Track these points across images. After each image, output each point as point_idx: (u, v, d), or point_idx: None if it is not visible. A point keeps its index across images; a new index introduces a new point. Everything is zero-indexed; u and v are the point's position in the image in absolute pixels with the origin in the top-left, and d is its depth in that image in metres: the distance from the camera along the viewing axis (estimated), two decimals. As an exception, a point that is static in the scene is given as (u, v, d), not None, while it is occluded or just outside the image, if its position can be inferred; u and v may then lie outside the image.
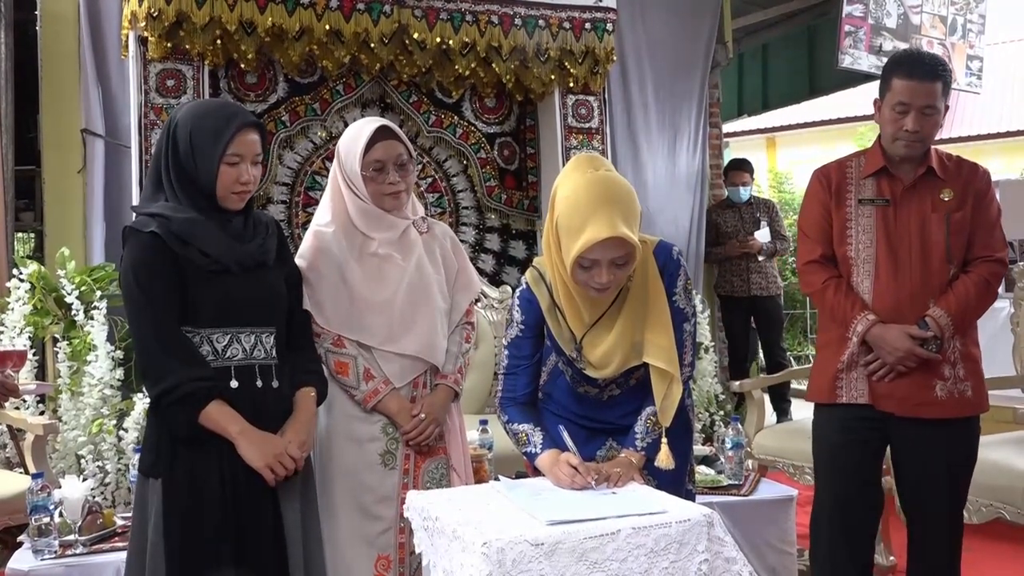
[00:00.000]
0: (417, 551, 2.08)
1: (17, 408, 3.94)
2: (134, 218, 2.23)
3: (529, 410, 2.34)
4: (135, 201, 4.03)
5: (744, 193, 6.35)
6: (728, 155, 7.38)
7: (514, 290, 2.41)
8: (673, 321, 2.24)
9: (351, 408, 2.56)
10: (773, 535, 3.35)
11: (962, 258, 2.66)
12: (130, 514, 2.40)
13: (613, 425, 2.38)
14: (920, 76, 2.59)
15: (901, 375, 2.62)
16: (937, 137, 2.69)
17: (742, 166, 6.44)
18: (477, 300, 4.66)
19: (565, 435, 2.25)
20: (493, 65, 4.74)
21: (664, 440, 2.25)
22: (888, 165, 2.69)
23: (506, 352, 2.37)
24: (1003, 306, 4.56)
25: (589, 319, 2.24)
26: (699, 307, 4.79)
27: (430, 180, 5.03)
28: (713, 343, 5.69)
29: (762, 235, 6.28)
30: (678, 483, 2.34)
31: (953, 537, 2.68)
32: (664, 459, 2.24)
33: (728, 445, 3.56)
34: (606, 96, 5.18)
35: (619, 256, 2.08)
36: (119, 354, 3.96)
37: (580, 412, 2.40)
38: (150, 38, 4.12)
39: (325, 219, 2.61)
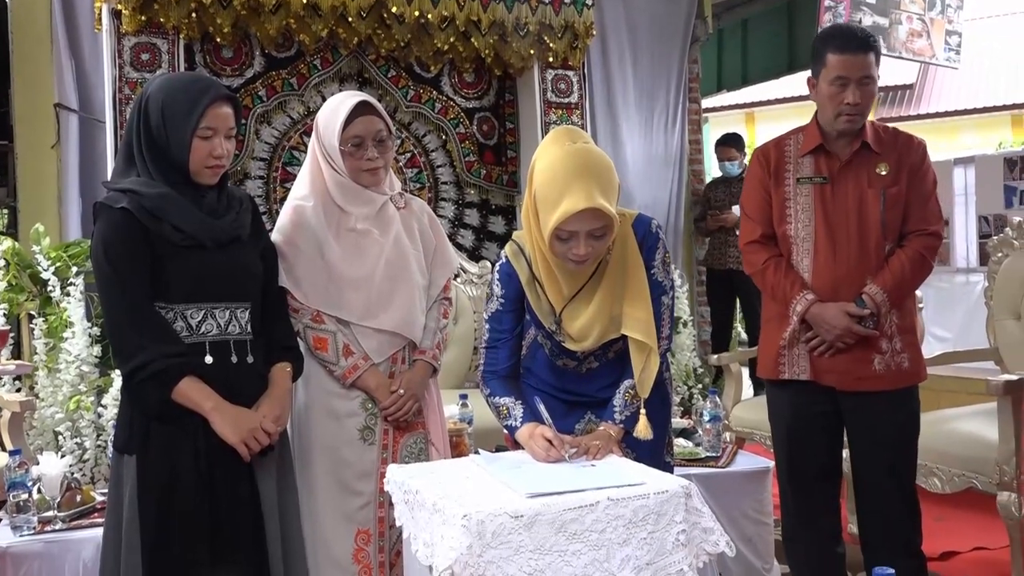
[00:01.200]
0: (397, 524, 2.09)
1: (-7, 386, 3.92)
2: (105, 194, 2.21)
3: (511, 383, 2.34)
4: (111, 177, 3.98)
5: (733, 168, 6.33)
6: (707, 130, 7.39)
7: (493, 265, 2.41)
8: (651, 294, 2.24)
9: (329, 384, 2.55)
10: (750, 506, 3.36)
11: (898, 232, 2.67)
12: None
13: (592, 398, 2.38)
14: (854, 49, 2.58)
15: (840, 351, 2.64)
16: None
17: (728, 141, 6.44)
18: (456, 275, 4.66)
19: (541, 407, 2.25)
20: (472, 39, 4.71)
21: (643, 412, 2.26)
22: (824, 142, 2.69)
23: (487, 326, 2.37)
24: (978, 280, 4.59)
25: (568, 292, 2.24)
26: (677, 281, 4.80)
27: (409, 155, 5.00)
28: (692, 317, 5.72)
29: None
30: (656, 455, 2.34)
31: (905, 505, 2.70)
32: (643, 430, 2.25)
33: (706, 418, 3.57)
34: (585, 71, 5.15)
35: (597, 228, 2.08)
36: (96, 331, 3.93)
37: (559, 385, 2.41)
38: (124, 11, 4.06)
39: (303, 192, 2.59)
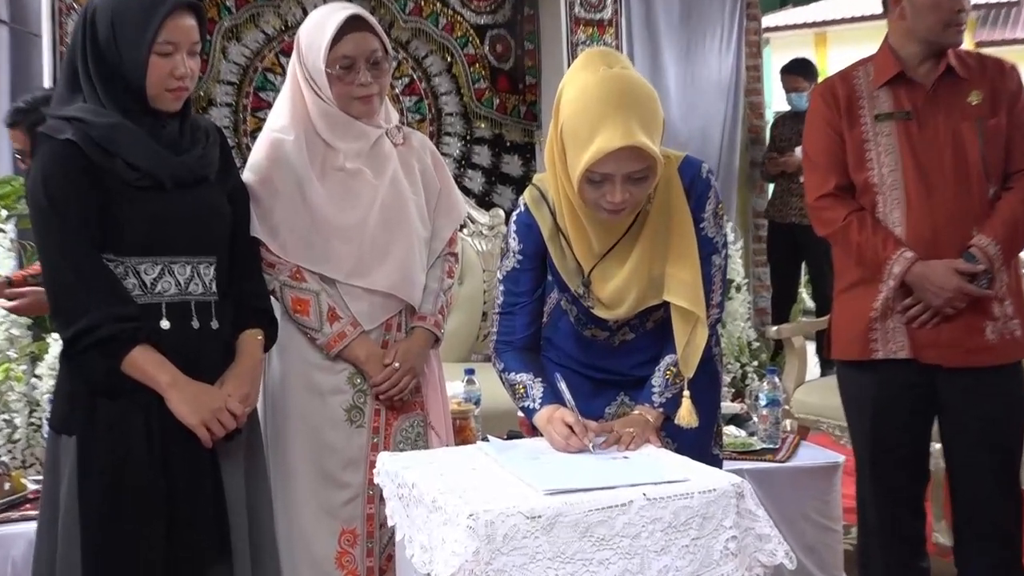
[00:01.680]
0: (389, 524, 2.08)
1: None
2: (47, 122, 2.18)
3: (529, 357, 2.34)
4: (48, 101, 3.97)
5: (801, 100, 6.23)
6: (768, 55, 7.33)
7: (508, 214, 2.40)
8: (700, 253, 2.23)
9: (311, 354, 2.56)
10: (814, 508, 3.38)
11: (1001, 172, 2.66)
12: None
13: (625, 376, 2.38)
14: None
15: (946, 319, 2.63)
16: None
17: (796, 69, 6.40)
18: (462, 226, 4.65)
19: (561, 385, 2.24)
20: (485, -61, 4.72)
21: (686, 394, 2.25)
22: (905, 69, 2.67)
23: (501, 288, 2.36)
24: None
25: (600, 248, 2.23)
26: (731, 237, 4.78)
27: (407, 81, 4.99)
28: (747, 280, 5.70)
29: None
30: (702, 446, 2.35)
31: (1008, 494, 2.71)
32: (686, 416, 2.25)
33: (762, 402, 3.58)
34: (622, -20, 5.13)
35: (636, 170, 2.06)
36: (30, 287, 3.95)
37: (586, 361, 2.41)
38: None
39: (281, 123, 2.57)
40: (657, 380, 2.29)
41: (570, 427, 2.14)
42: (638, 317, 2.31)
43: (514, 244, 2.33)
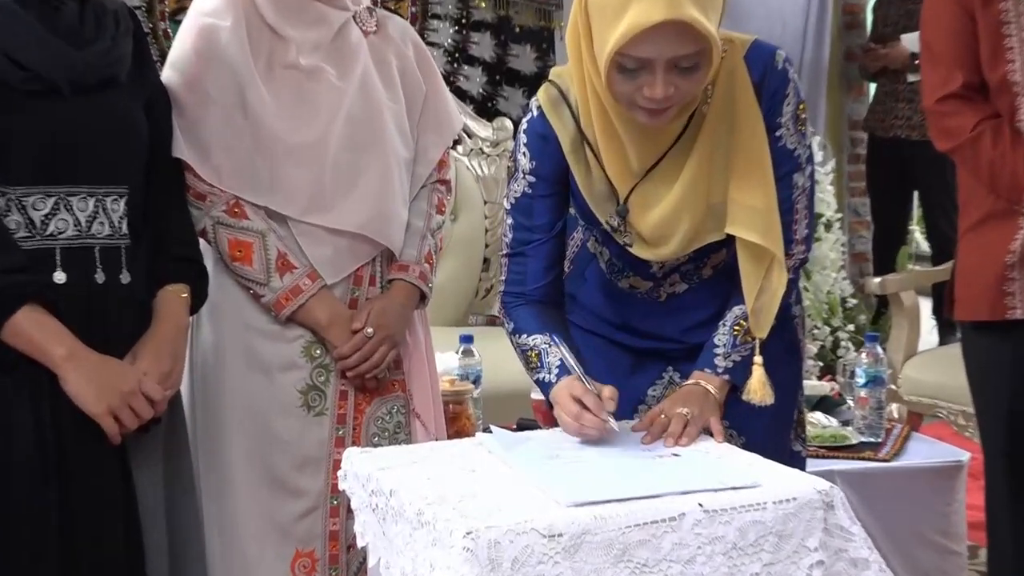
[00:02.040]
0: (359, 544, 2.08)
1: None
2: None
3: (547, 313, 2.34)
4: None
5: None
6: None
7: (517, 125, 2.39)
8: (776, 171, 2.21)
9: (254, 317, 2.57)
10: (929, 524, 3.39)
11: None
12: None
13: (675, 345, 2.40)
14: None
15: None
16: None
17: None
18: (456, 143, 4.65)
19: (562, 350, 2.23)
20: None
21: (758, 360, 2.26)
22: None
23: (509, 221, 2.37)
24: None
25: (639, 164, 2.21)
26: (818, 157, 4.77)
27: (380, -56, 4.99)
28: (840, 215, 5.69)
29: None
30: (779, 440, 2.38)
31: None
32: (759, 389, 2.25)
33: (860, 380, 3.58)
34: None
35: (683, 55, 2.02)
36: None
37: (622, 322, 2.42)
38: None
39: (213, 4, 2.58)
40: (722, 337, 2.28)
41: (579, 401, 2.11)
42: (692, 260, 2.32)
43: (524, 161, 2.32)
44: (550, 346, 2.27)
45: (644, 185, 2.23)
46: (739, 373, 2.26)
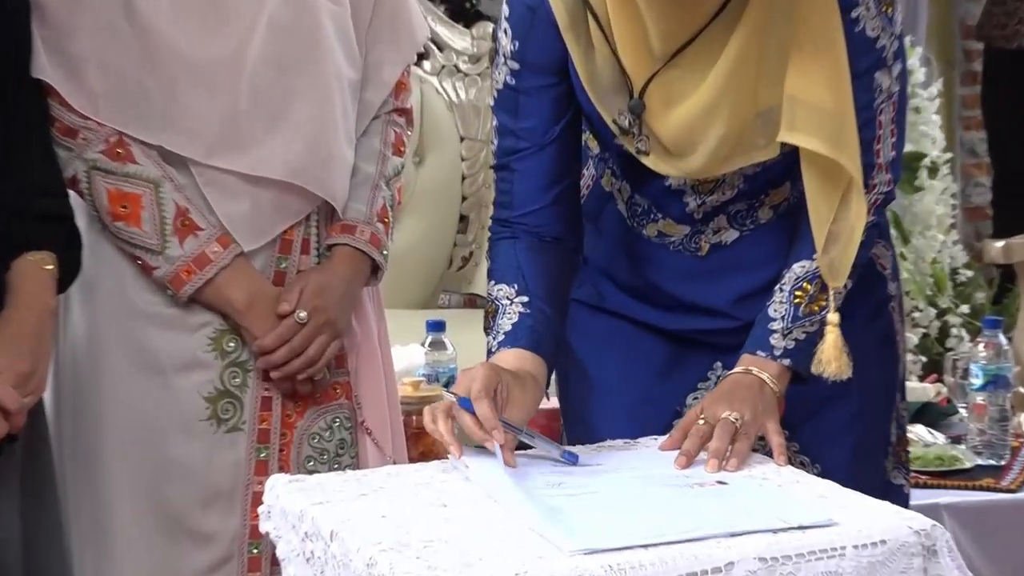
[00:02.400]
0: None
1: None
2: None
3: (535, 253, 2.26)
4: None
5: None
6: None
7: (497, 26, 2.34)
8: (852, 65, 2.09)
9: (144, 297, 2.52)
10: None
11: None
12: None
13: (724, 322, 2.29)
14: None
15: None
16: None
17: None
18: (421, 57, 4.65)
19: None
20: None
21: (833, 318, 2.13)
22: None
23: (493, 122, 2.30)
24: None
25: (663, 45, 2.10)
26: (919, 75, 4.74)
27: None
28: (950, 156, 5.67)
29: None
30: (868, 466, 2.29)
31: None
32: (833, 359, 2.11)
33: (977, 380, 3.55)
34: None
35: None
36: None
37: (651, 291, 2.32)
38: None
39: None
40: (779, 307, 2.16)
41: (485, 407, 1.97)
42: (743, 194, 2.22)
43: (506, 42, 2.24)
44: (511, 302, 2.19)
45: (668, 73, 2.13)
46: (804, 356, 2.13)
